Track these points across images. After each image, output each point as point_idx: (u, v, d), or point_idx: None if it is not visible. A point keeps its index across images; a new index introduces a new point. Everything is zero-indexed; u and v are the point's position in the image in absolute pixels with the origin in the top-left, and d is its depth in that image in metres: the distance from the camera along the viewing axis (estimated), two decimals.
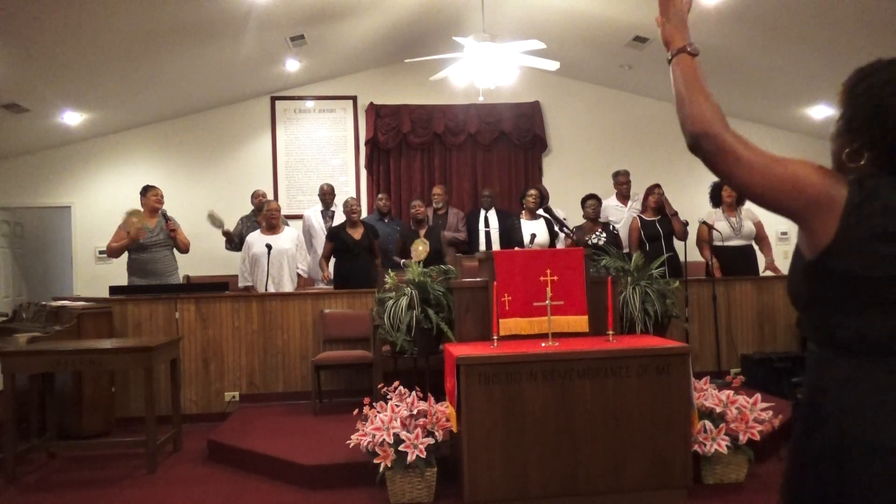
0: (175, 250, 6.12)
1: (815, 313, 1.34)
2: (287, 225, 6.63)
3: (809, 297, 1.34)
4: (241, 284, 6.20)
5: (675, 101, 1.40)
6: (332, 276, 6.34)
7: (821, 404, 1.31)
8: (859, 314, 1.27)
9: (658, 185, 6.45)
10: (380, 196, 7.43)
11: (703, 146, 1.34)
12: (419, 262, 5.53)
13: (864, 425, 1.24)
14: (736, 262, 6.18)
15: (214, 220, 6.67)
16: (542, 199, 6.74)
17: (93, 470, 4.46)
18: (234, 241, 6.79)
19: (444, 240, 6.70)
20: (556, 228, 6.26)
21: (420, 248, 6.19)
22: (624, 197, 7.21)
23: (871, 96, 1.31)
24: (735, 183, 1.35)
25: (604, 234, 6.35)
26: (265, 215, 6.28)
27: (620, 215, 7.08)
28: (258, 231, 6.31)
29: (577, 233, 6.37)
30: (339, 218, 6.97)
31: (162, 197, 6.10)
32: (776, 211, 1.35)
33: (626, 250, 6.16)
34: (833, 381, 1.30)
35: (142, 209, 6.05)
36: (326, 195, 7.15)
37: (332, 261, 6.42)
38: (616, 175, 7.24)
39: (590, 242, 6.20)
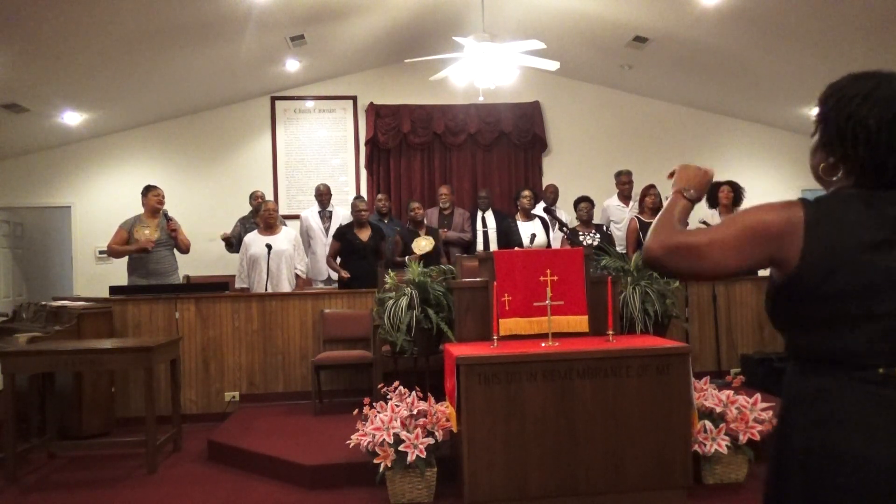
0: (175, 250, 6.12)
1: (789, 331, 1.38)
2: (285, 225, 6.62)
3: (783, 316, 1.38)
4: (237, 285, 6.19)
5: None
6: (349, 274, 6.17)
7: (794, 416, 1.34)
8: (829, 330, 1.29)
9: (653, 186, 6.46)
10: (379, 197, 7.41)
11: (657, 265, 1.39)
12: (421, 260, 5.54)
13: (833, 437, 1.26)
14: None
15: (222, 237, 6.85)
16: (538, 199, 6.74)
17: (93, 470, 4.46)
18: (234, 244, 6.79)
19: (443, 239, 6.70)
20: (557, 228, 6.26)
21: (423, 244, 6.18)
22: (626, 197, 7.20)
23: (841, 110, 1.33)
24: (707, 274, 1.38)
25: (598, 235, 6.35)
26: (262, 215, 6.25)
27: (622, 215, 7.07)
28: (255, 231, 6.29)
29: (571, 235, 6.38)
30: (337, 218, 6.96)
31: (163, 197, 6.10)
32: (759, 268, 1.39)
33: (622, 251, 6.15)
34: (805, 394, 1.33)
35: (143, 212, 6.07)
36: (323, 195, 7.13)
37: (337, 260, 6.41)
38: (619, 175, 7.22)
39: (585, 243, 6.20)
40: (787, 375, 1.40)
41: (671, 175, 1.57)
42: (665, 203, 1.52)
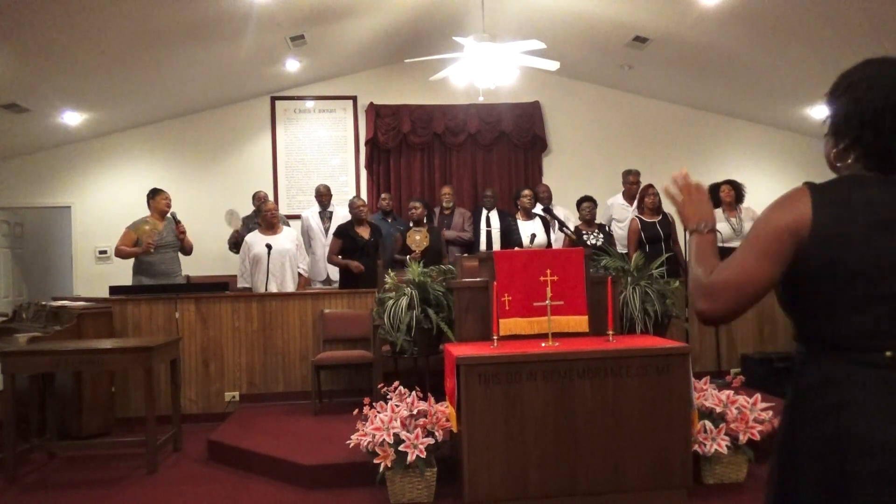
0: (179, 252, 6.16)
1: (798, 315, 1.38)
2: (287, 225, 6.65)
3: (792, 300, 1.38)
4: (239, 285, 6.22)
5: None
6: (362, 266, 6.12)
7: (805, 404, 1.34)
8: (835, 313, 1.30)
9: (652, 186, 6.45)
10: (383, 196, 7.41)
11: (719, 322, 1.41)
12: (420, 255, 5.54)
13: (845, 422, 1.26)
14: None
15: (233, 218, 6.87)
16: (537, 198, 6.73)
17: (93, 470, 4.46)
18: (237, 242, 6.82)
19: (445, 239, 6.68)
20: (557, 228, 6.25)
21: (418, 238, 6.20)
22: (631, 196, 7.17)
23: (850, 95, 1.35)
24: (760, 293, 1.34)
25: (601, 235, 6.35)
26: (264, 215, 6.31)
27: (626, 214, 7.03)
28: (257, 231, 6.33)
29: (576, 235, 6.37)
30: (337, 218, 6.96)
31: (170, 200, 6.18)
32: (803, 274, 1.33)
33: (623, 251, 6.14)
34: (814, 381, 1.33)
35: (149, 212, 6.11)
36: (323, 196, 7.15)
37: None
38: (626, 174, 7.18)
39: (588, 243, 6.19)
40: (798, 359, 1.40)
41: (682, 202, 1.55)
42: (691, 250, 1.48)
